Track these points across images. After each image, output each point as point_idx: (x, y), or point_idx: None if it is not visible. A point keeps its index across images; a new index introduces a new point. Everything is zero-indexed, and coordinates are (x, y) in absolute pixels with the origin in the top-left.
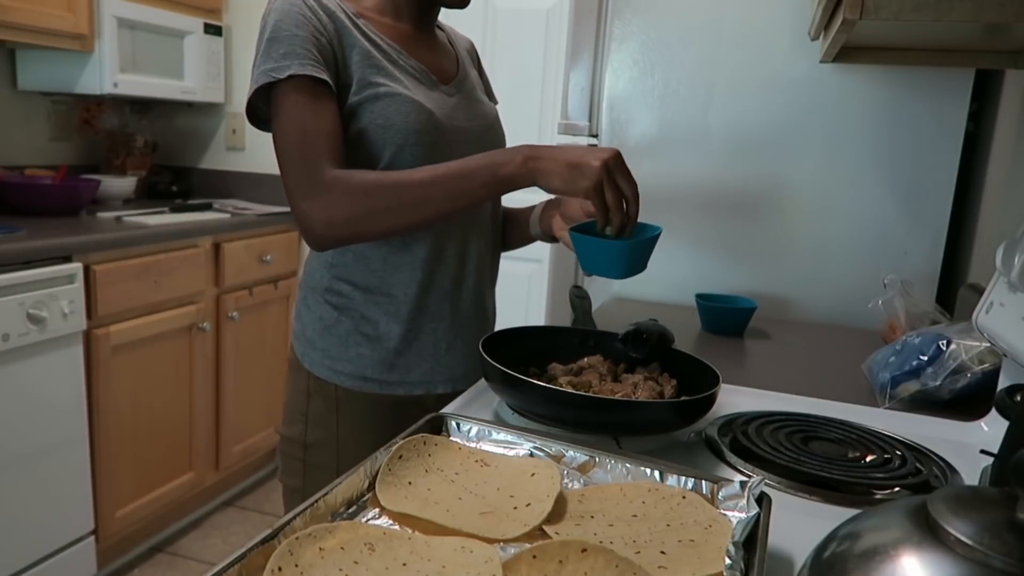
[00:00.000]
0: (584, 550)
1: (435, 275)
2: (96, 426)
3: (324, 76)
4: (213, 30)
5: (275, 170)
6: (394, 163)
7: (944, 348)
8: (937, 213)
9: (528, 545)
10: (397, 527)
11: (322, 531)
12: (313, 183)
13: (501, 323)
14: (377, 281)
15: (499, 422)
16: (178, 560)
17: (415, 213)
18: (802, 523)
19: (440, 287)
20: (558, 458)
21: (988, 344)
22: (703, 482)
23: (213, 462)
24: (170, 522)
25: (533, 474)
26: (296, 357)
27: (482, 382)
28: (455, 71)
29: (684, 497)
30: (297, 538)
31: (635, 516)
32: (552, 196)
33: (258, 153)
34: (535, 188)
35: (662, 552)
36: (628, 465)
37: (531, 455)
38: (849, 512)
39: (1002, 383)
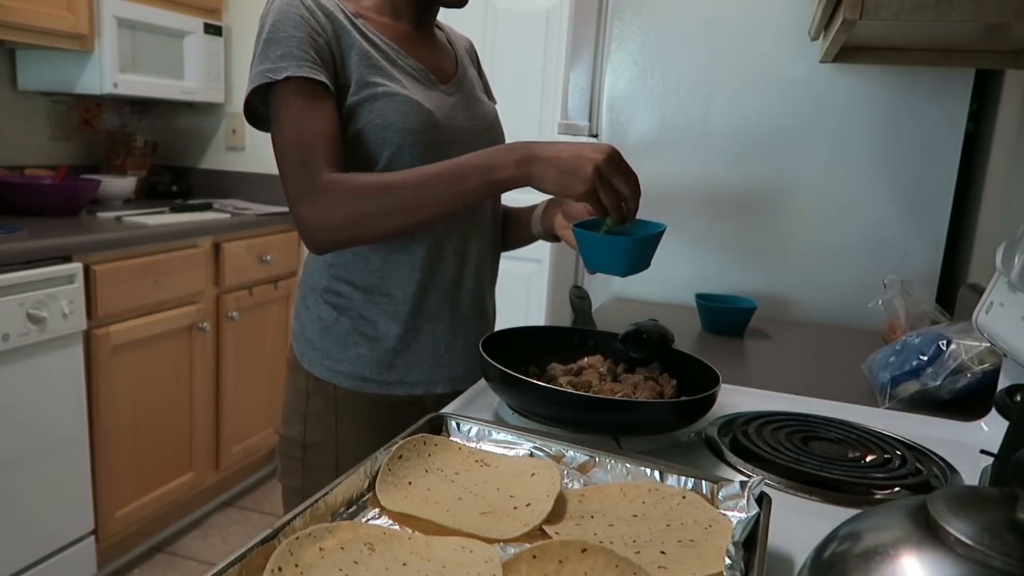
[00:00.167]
0: (584, 550)
1: (434, 275)
2: (96, 426)
3: (321, 77)
4: (213, 30)
5: (275, 170)
6: (393, 163)
7: (944, 348)
8: (937, 213)
9: (528, 545)
10: (397, 527)
11: (322, 531)
12: (309, 187)
13: (501, 323)
14: (376, 281)
15: (499, 422)
16: (178, 560)
17: (409, 216)
18: (802, 523)
19: (439, 287)
20: (558, 458)
21: (988, 344)
22: (703, 482)
23: (213, 462)
24: (170, 522)
25: (533, 474)
26: (295, 357)
27: (482, 382)
28: (454, 70)
29: (684, 497)
30: (297, 538)
31: (635, 516)
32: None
33: (258, 153)
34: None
35: (662, 552)
36: (628, 465)
37: (531, 455)
38: (849, 512)
39: (1002, 383)
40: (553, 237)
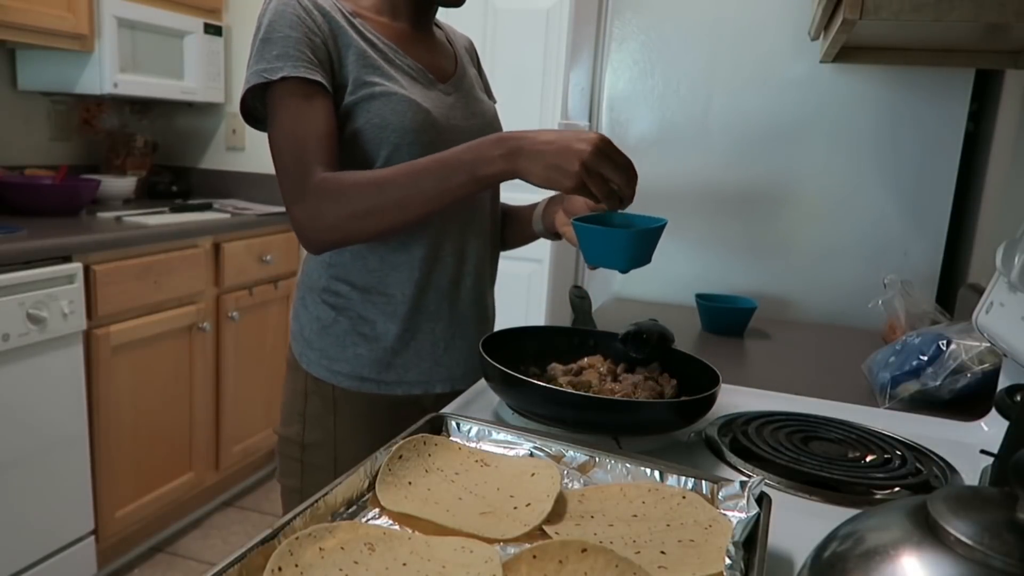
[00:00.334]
0: (584, 550)
1: (432, 275)
2: (96, 426)
3: (317, 77)
4: (213, 30)
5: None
6: (391, 162)
7: (944, 348)
8: (937, 213)
9: (528, 545)
10: (397, 527)
11: (322, 531)
12: (302, 187)
13: (501, 323)
14: (375, 281)
15: (499, 422)
16: (178, 560)
17: (400, 213)
18: (802, 523)
19: (438, 287)
20: (558, 458)
21: (988, 344)
22: (703, 482)
23: (213, 462)
24: (170, 522)
25: (533, 474)
26: (294, 357)
27: (482, 382)
28: (453, 70)
29: (684, 497)
30: (297, 538)
31: (635, 516)
32: (554, 192)
33: (258, 153)
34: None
35: (662, 552)
36: (628, 465)
37: (531, 455)
38: (849, 512)
39: (1002, 383)
40: (554, 235)
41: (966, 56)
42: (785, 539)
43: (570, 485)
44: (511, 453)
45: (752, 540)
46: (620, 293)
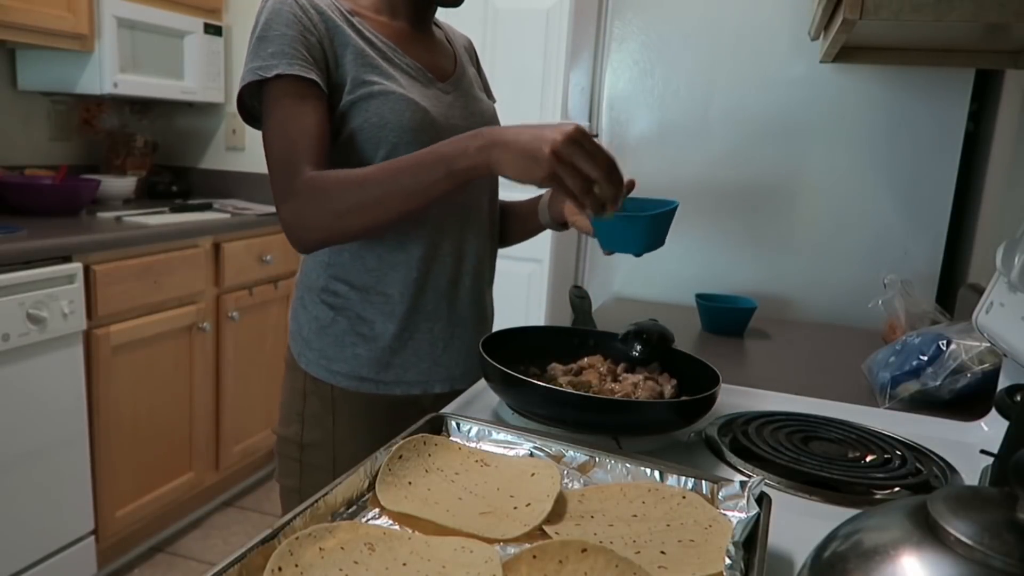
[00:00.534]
0: (584, 550)
1: (431, 274)
2: (96, 426)
3: (312, 75)
4: (213, 30)
5: None
6: None
7: (944, 348)
8: (937, 213)
9: (528, 545)
10: (397, 527)
11: (322, 531)
12: (289, 187)
13: (500, 323)
14: (373, 280)
15: (499, 422)
16: (178, 560)
17: (380, 211)
18: (802, 523)
19: (436, 286)
20: (558, 458)
21: (988, 344)
22: (703, 482)
23: (213, 462)
24: (170, 522)
25: (533, 474)
26: (292, 357)
27: (482, 382)
28: (452, 69)
29: (684, 497)
30: (297, 538)
31: (635, 516)
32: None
33: (258, 153)
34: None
35: (662, 552)
36: (628, 465)
37: (531, 455)
38: (849, 512)
39: (1002, 383)
40: (561, 225)
41: (966, 56)
42: (785, 539)
43: (570, 485)
44: (511, 453)
45: (752, 540)
46: (620, 293)
